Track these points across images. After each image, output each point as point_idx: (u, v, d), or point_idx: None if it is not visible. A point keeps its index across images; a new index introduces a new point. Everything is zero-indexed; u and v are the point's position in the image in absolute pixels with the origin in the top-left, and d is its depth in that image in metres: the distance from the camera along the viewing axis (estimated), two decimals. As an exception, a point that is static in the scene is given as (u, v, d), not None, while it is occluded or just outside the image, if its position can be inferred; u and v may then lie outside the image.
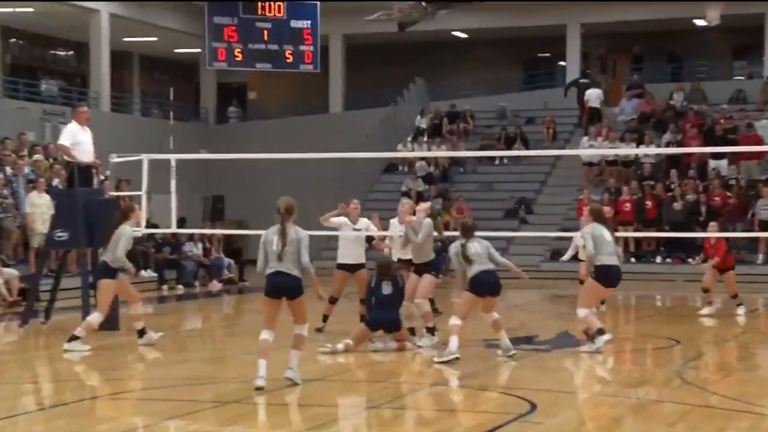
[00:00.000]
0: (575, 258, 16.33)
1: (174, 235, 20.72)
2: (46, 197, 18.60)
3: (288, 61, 23.64)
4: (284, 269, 9.06)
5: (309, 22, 23.60)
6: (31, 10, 27.58)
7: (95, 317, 11.91)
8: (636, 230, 23.81)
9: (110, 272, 11.91)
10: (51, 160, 20.67)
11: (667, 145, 25.89)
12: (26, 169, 19.81)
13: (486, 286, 10.72)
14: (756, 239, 22.65)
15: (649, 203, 23.98)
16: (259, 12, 23.30)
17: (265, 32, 23.33)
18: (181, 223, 19.59)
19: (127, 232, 11.93)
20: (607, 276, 11.11)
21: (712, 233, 15.82)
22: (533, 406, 8.32)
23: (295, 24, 23.50)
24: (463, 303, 10.95)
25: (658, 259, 24.25)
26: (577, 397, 9.12)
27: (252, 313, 18.22)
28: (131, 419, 8.16)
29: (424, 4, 25.83)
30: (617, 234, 15.67)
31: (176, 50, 33.74)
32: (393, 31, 25.82)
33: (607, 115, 28.66)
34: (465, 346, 11.25)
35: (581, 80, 29.79)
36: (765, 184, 23.97)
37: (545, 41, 32.20)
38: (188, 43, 31.24)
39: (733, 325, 14.69)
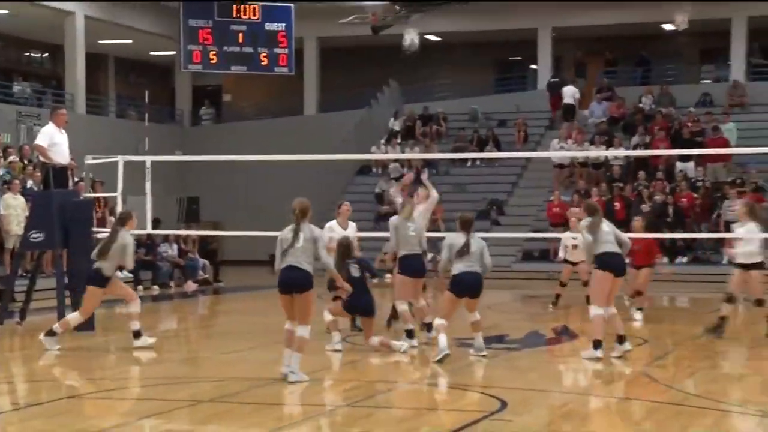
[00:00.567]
0: (565, 260, 16.39)
1: (149, 236, 20.64)
2: (21, 199, 18.49)
3: (263, 63, 23.67)
4: (295, 263, 9.31)
5: (283, 25, 23.63)
6: (5, 11, 27.37)
7: (74, 317, 11.89)
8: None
9: (102, 280, 11.88)
10: (25, 162, 20.55)
11: (635, 147, 26.08)
12: (0, 171, 19.67)
13: (466, 286, 10.64)
14: (721, 240, 22.84)
15: (617, 204, 24.12)
16: (234, 15, 23.30)
17: (240, 35, 23.34)
18: (156, 224, 19.49)
19: (129, 239, 11.97)
20: (609, 263, 10.74)
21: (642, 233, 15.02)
22: (504, 404, 8.37)
23: (269, 27, 23.52)
24: (444, 303, 10.91)
25: (627, 260, 24.35)
26: (546, 395, 9.18)
27: (227, 314, 18.21)
28: (106, 419, 8.14)
29: (397, 7, 25.91)
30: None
31: (151, 53, 33.61)
32: (367, 34, 25.89)
33: (577, 118, 28.86)
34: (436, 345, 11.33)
35: (553, 79, 30.04)
36: (731, 185, 24.19)
37: (517, 45, 32.35)
38: (163, 46, 31.12)
39: (698, 324, 14.81)
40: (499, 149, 27.93)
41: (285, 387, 9.20)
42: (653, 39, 31.38)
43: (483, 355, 10.85)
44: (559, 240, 18.84)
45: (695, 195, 24.29)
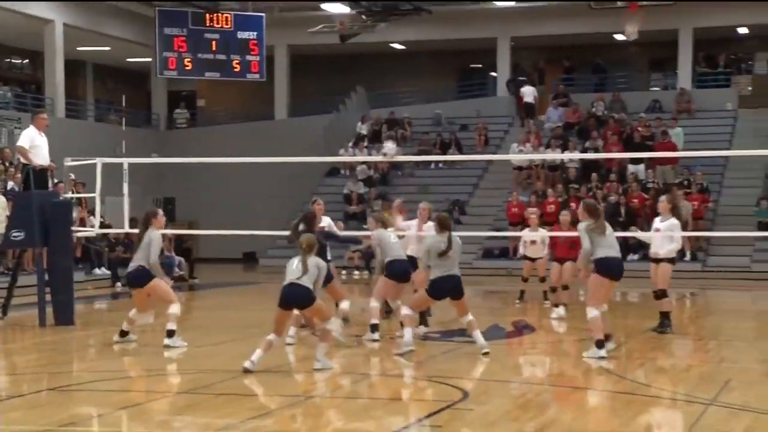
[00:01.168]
0: (524, 256, 16.32)
1: (127, 234, 20.47)
2: (2, 199, 18.30)
3: (235, 70, 23.55)
4: (300, 282, 9.39)
5: (255, 33, 23.53)
6: (-13, 19, 27.09)
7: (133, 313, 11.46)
8: (559, 230, 24.05)
9: (148, 275, 11.25)
10: (7, 164, 20.34)
11: (587, 150, 26.26)
12: (-18, 172, 19.46)
13: (446, 290, 10.35)
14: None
15: (573, 205, 24.25)
16: (208, 23, 23.19)
17: (214, 43, 23.23)
18: (134, 223, 19.39)
19: (156, 236, 11.31)
20: (606, 268, 10.12)
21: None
22: (465, 394, 8.41)
23: (242, 35, 23.42)
24: (419, 299, 10.76)
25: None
26: (506, 385, 9.23)
27: (202, 310, 18.13)
28: (86, 410, 8.09)
29: (364, 17, 25.92)
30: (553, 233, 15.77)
31: (128, 59, 33.37)
32: (335, 42, 25.86)
33: (537, 115, 29.21)
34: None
35: (516, 78, 30.44)
36: (678, 187, 24.44)
37: (478, 53, 32.48)
38: (140, 53, 30.92)
39: (649, 317, 14.94)
40: (461, 152, 28.05)
41: (257, 379, 9.18)
42: (606, 48, 31.62)
43: (485, 353, 10.36)
44: (517, 238, 18.93)
45: (646, 196, 24.50)
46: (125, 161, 14.84)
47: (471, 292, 19.81)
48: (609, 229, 10.38)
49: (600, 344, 10.15)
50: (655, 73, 32.40)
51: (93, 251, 22.06)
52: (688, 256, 23.04)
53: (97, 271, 21.80)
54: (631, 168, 25.99)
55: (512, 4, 29.65)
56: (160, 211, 11.79)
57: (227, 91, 33.77)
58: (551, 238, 15.18)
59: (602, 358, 10.06)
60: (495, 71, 31.64)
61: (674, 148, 25.13)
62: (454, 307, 10.63)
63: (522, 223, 22.79)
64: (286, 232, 13.05)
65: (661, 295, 12.39)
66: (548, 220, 23.79)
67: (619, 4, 26.60)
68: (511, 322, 13.95)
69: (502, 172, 27.97)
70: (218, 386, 8.81)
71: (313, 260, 9.48)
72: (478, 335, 10.49)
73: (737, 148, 25.36)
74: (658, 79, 32.08)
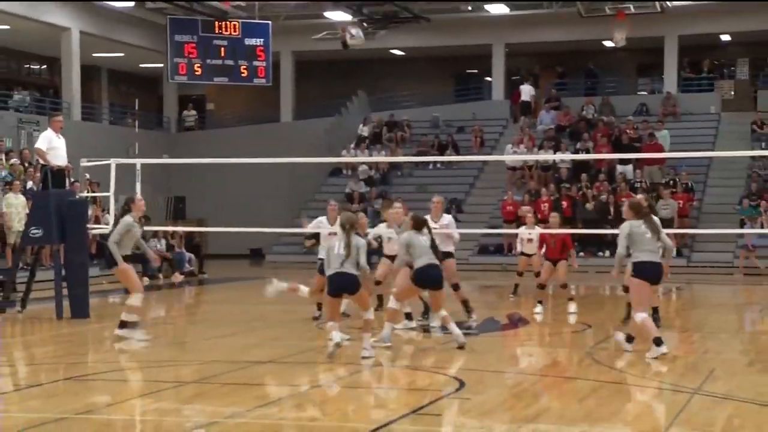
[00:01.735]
0: (521, 253, 16.30)
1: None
2: (22, 198, 18.30)
3: (243, 75, 23.58)
4: (345, 269, 9.45)
5: (262, 40, 23.55)
6: (7, 27, 27.11)
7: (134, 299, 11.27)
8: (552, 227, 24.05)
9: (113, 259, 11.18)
10: (26, 164, 20.34)
11: (577, 152, 26.26)
12: (3, 172, 19.46)
13: (429, 279, 10.21)
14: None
15: (564, 203, 24.28)
16: (217, 31, 23.21)
17: (222, 49, 23.25)
18: (146, 221, 19.41)
19: (125, 221, 11.32)
20: (642, 271, 9.64)
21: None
22: (462, 384, 8.39)
23: (249, 42, 23.43)
24: (405, 290, 10.55)
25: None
26: (501, 376, 9.21)
27: (210, 303, 18.12)
28: (100, 398, 8.07)
29: (365, 25, 25.90)
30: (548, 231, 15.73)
31: (141, 65, 33.37)
32: (338, 48, 25.85)
33: (534, 114, 29.22)
34: (401, 331, 11.33)
35: (513, 77, 30.58)
36: (665, 186, 24.42)
37: (474, 59, 32.45)
38: (152, 59, 30.91)
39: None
40: (457, 153, 28.05)
41: (262, 369, 9.16)
42: (596, 54, 31.60)
43: (461, 346, 10.22)
44: (512, 235, 18.92)
45: (634, 195, 24.47)
46: (138, 162, 14.83)
47: (467, 287, 19.81)
48: (650, 232, 9.63)
49: (658, 342, 9.63)
50: (642, 78, 32.39)
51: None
52: (674, 253, 23.00)
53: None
54: (619, 168, 25.97)
55: (507, 12, 29.63)
56: (139, 197, 11.88)
57: (235, 95, 33.77)
58: (541, 239, 15.13)
59: (664, 354, 9.58)
60: (490, 76, 31.63)
61: (661, 150, 25.13)
62: (431, 299, 10.53)
63: (517, 221, 22.80)
64: (292, 230, 13.07)
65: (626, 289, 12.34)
66: (542, 219, 23.88)
67: (608, 12, 26.58)
68: (506, 315, 13.95)
69: (497, 172, 27.96)
70: (225, 376, 8.80)
71: (354, 239, 9.49)
72: (453, 326, 10.33)
73: (720, 150, 25.37)
74: (646, 83, 32.06)
